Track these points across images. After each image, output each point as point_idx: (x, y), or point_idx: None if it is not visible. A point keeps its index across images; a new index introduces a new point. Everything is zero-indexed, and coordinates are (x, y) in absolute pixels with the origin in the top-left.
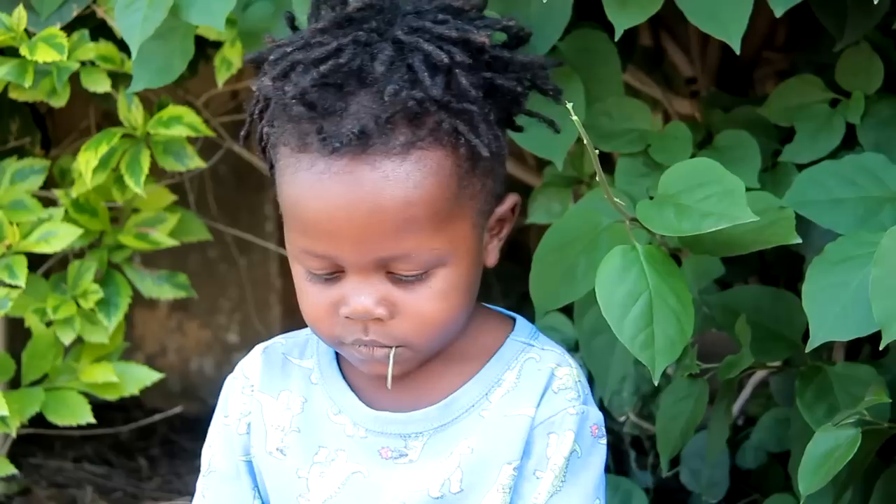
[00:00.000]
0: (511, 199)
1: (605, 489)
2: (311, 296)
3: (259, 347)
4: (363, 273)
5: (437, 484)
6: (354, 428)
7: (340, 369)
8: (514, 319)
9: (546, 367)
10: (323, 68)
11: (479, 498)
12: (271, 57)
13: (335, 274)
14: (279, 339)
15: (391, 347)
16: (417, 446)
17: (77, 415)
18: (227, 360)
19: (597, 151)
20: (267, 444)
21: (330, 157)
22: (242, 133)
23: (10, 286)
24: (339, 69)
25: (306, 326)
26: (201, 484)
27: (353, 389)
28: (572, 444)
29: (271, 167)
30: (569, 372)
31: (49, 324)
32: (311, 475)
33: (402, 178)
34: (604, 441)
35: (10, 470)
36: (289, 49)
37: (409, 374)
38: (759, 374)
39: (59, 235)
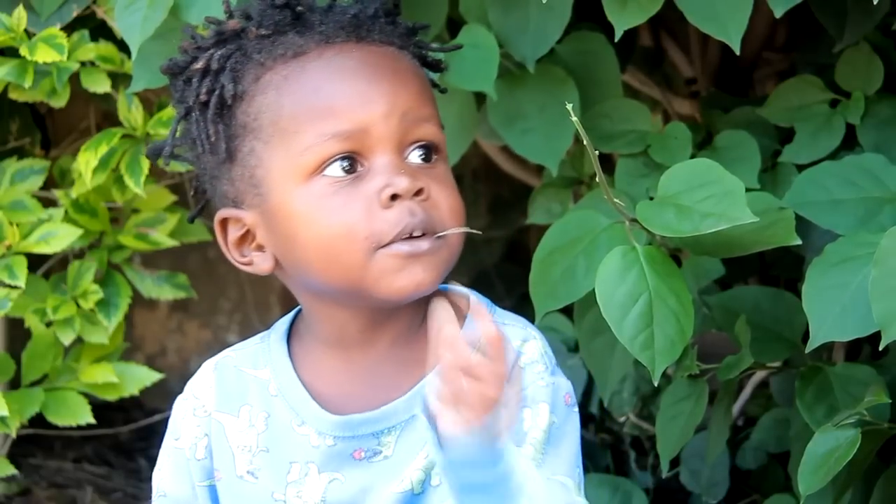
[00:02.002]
0: None
1: (582, 458)
2: (338, 206)
3: (209, 364)
4: (390, 150)
5: (418, 481)
6: (320, 438)
7: (298, 376)
8: (467, 298)
9: (512, 345)
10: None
11: None
12: (213, 31)
13: (358, 162)
14: (228, 352)
15: (433, 237)
16: (391, 441)
17: (77, 415)
18: None
19: (596, 152)
20: (236, 467)
21: (335, 44)
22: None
23: (10, 286)
24: None
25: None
26: None
27: (313, 396)
28: (549, 416)
29: (230, 136)
30: (534, 345)
31: (49, 324)
32: (289, 496)
33: (406, 57)
34: (576, 409)
35: (10, 470)
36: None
37: (369, 366)
38: (759, 375)
39: (59, 236)
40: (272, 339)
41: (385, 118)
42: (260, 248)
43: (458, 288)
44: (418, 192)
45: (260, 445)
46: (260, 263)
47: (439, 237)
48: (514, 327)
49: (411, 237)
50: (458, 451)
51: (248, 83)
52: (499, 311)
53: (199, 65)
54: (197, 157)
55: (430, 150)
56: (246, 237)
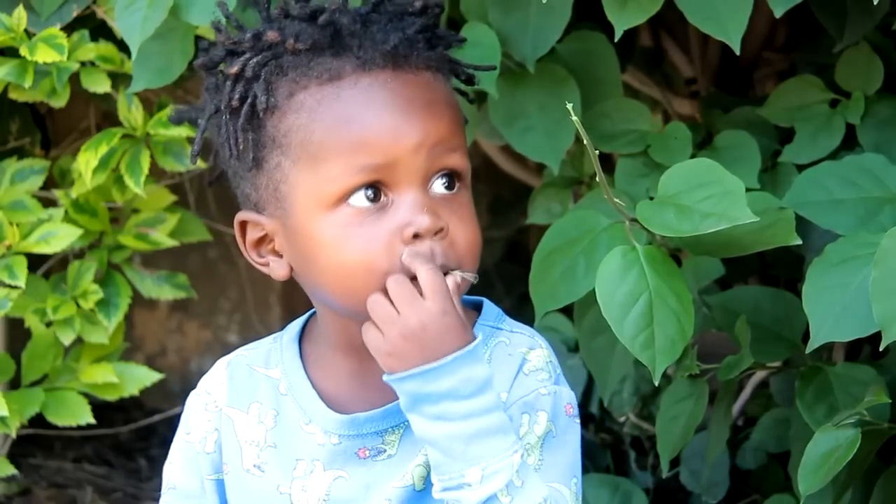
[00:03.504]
0: None
1: (581, 468)
2: (361, 236)
3: (222, 361)
4: (416, 184)
5: (419, 477)
6: (325, 436)
7: (308, 377)
8: (478, 307)
9: (517, 352)
10: (323, 17)
11: None
12: (247, 36)
13: (383, 192)
14: (242, 351)
15: (451, 273)
16: (395, 440)
17: (77, 415)
18: None
19: (597, 152)
20: (243, 461)
21: (371, 72)
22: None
23: (10, 286)
24: (337, 11)
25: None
26: (162, 501)
27: (321, 396)
28: (547, 425)
29: (258, 146)
30: (540, 354)
31: (49, 324)
32: (294, 490)
33: (441, 82)
34: (578, 420)
35: (10, 470)
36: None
37: (378, 368)
38: (759, 375)
39: (59, 236)
40: (284, 339)
41: (414, 153)
42: (277, 252)
43: (467, 297)
44: (438, 231)
45: (268, 441)
46: (277, 269)
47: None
48: (522, 335)
49: None
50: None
51: (281, 98)
52: (508, 319)
53: (233, 69)
54: (226, 159)
55: (453, 179)
56: (264, 240)
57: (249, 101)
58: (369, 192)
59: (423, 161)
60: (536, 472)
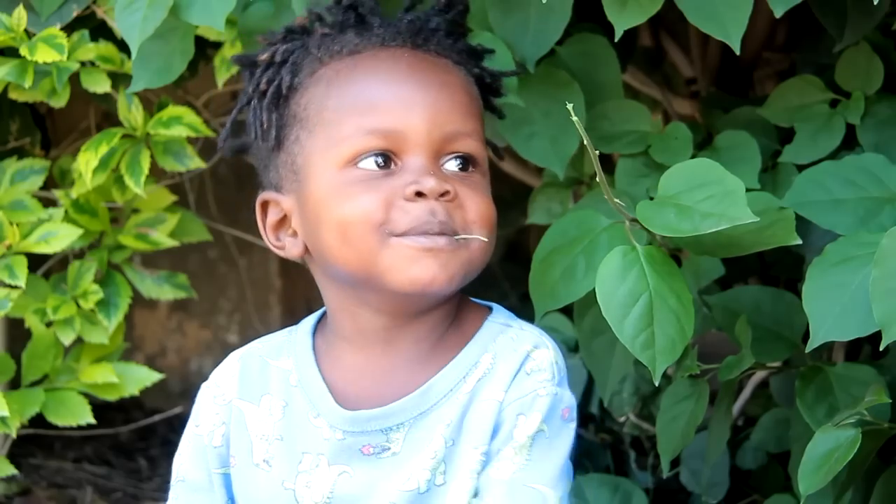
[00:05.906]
0: None
1: (573, 474)
2: (360, 192)
3: (235, 354)
4: (425, 154)
5: (424, 480)
6: (331, 431)
7: (319, 370)
8: (490, 307)
9: (522, 349)
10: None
11: (456, 484)
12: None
13: (393, 161)
14: (256, 344)
15: (452, 238)
16: (399, 438)
17: (77, 415)
18: None
19: (597, 152)
20: (253, 455)
21: (390, 48)
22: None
23: (10, 286)
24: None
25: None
26: (171, 494)
27: (330, 390)
28: (539, 424)
29: (281, 126)
30: (545, 354)
31: (49, 324)
32: (298, 486)
33: (460, 72)
34: (573, 425)
35: (10, 470)
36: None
37: (387, 365)
38: (759, 375)
39: (59, 236)
40: (299, 332)
41: (424, 126)
42: (295, 234)
43: (478, 301)
44: (444, 194)
45: (275, 433)
46: (291, 248)
47: (458, 239)
48: (530, 334)
49: (428, 234)
50: None
51: (305, 76)
52: (518, 320)
53: (264, 56)
54: (254, 146)
55: (467, 162)
56: (283, 222)
57: (276, 82)
58: (379, 159)
59: (434, 137)
60: (522, 472)
